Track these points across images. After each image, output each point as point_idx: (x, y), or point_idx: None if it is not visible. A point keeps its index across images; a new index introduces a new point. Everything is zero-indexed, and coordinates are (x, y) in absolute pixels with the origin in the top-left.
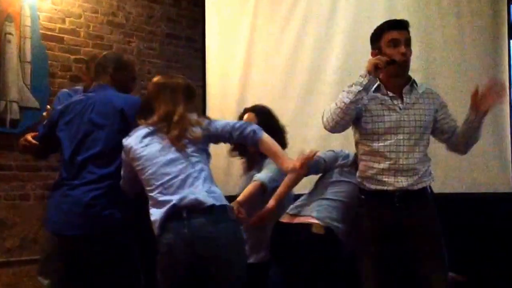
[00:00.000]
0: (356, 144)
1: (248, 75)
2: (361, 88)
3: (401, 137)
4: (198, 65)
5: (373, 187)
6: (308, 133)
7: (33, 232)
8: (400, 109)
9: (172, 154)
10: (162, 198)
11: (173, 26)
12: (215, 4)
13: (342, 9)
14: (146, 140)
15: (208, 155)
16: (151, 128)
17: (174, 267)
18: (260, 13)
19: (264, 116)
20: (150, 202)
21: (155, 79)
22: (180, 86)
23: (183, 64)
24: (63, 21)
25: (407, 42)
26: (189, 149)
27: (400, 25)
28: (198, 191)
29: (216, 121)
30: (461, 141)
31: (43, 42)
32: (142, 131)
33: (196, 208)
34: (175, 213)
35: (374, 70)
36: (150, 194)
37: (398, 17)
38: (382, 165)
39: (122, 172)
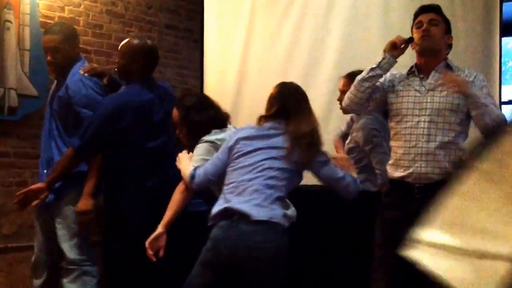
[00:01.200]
0: (390, 130)
1: (245, 67)
2: (375, 66)
3: (422, 119)
4: (196, 56)
5: (396, 174)
6: None
7: (30, 219)
8: (425, 89)
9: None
10: (228, 196)
11: (172, 16)
12: None
13: (339, 5)
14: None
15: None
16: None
17: (213, 262)
18: (258, 5)
19: None
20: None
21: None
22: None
23: (182, 55)
24: (62, 10)
25: (432, 22)
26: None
27: (425, 9)
28: (253, 203)
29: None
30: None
31: (42, 30)
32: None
33: (244, 217)
34: (228, 214)
35: (390, 48)
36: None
37: (393, 14)
38: (402, 150)
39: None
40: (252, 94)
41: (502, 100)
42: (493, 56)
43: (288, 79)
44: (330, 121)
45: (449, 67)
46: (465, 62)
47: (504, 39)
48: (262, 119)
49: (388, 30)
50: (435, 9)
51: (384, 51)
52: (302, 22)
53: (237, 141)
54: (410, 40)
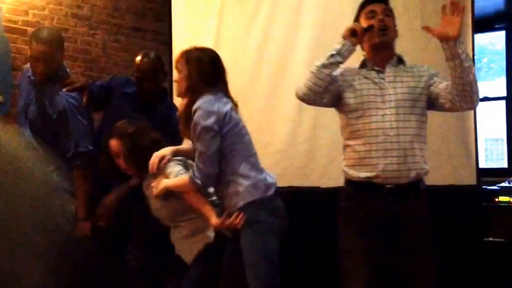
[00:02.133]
0: (342, 129)
1: None
2: (335, 52)
3: (388, 112)
4: (166, 58)
5: (361, 174)
6: (276, 125)
7: None
8: (384, 81)
9: None
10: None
11: (139, 19)
12: None
13: (309, 4)
14: None
15: None
16: None
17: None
18: (227, 5)
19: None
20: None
21: None
22: None
23: None
24: (26, 13)
25: (386, 12)
26: None
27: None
28: None
29: None
30: (457, 90)
31: (6, 35)
32: None
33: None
34: None
35: (350, 35)
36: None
37: None
38: (369, 146)
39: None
40: None
41: None
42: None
43: (258, 79)
44: (302, 121)
45: (401, 61)
46: (438, 60)
47: (477, 36)
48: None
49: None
50: (385, 0)
51: (344, 38)
52: (272, 22)
53: (225, 116)
54: (369, 28)
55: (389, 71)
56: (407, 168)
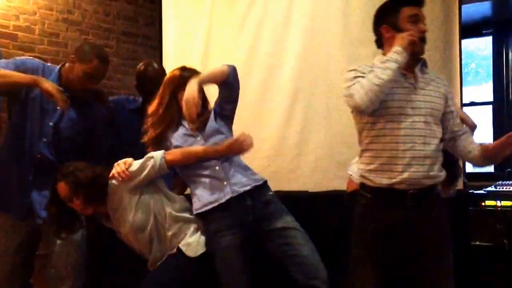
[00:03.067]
0: (362, 132)
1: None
2: (398, 65)
3: (417, 119)
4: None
5: (384, 181)
6: (265, 129)
7: None
8: (414, 88)
9: None
10: None
11: (130, 24)
12: (172, 2)
13: (298, 10)
14: None
15: None
16: None
17: None
18: (217, 12)
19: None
20: None
21: None
22: None
23: (140, 62)
24: (17, 18)
25: (424, 21)
26: None
27: (419, 1)
28: None
29: None
30: (478, 159)
31: None
32: None
33: None
34: None
35: (408, 46)
36: None
37: (353, 15)
38: (395, 152)
39: None
40: (211, 100)
41: (464, 102)
42: (453, 58)
43: (247, 85)
44: (291, 125)
45: (425, 65)
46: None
47: (465, 41)
48: None
49: (348, 34)
50: (423, 3)
51: (405, 49)
52: (261, 28)
53: None
54: (423, 40)
55: (418, 77)
56: (429, 176)
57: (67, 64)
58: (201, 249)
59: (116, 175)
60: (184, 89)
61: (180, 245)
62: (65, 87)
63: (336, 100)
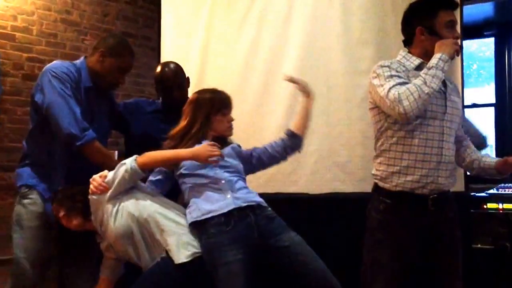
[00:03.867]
0: (384, 133)
1: (203, 75)
2: (443, 73)
3: (445, 125)
4: (154, 64)
5: (407, 184)
6: (265, 131)
7: None
8: (445, 94)
9: None
10: None
11: (129, 24)
12: (171, 3)
13: (298, 11)
14: None
15: None
16: None
17: None
18: (216, 13)
19: None
20: None
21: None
22: None
23: (139, 63)
24: (15, 19)
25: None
26: None
27: (456, 6)
28: None
29: None
30: (472, 169)
31: None
32: None
33: None
34: None
35: (455, 55)
36: None
37: (354, 16)
38: (421, 156)
39: None
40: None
41: (466, 103)
42: (455, 60)
43: (247, 87)
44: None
45: None
46: None
47: (467, 42)
48: None
49: (348, 35)
50: (458, 7)
51: (451, 57)
52: (261, 29)
53: None
54: (461, 48)
55: (447, 83)
56: (449, 181)
57: (93, 58)
58: (188, 256)
59: (94, 189)
60: (218, 112)
61: (167, 249)
62: (92, 80)
63: (336, 102)
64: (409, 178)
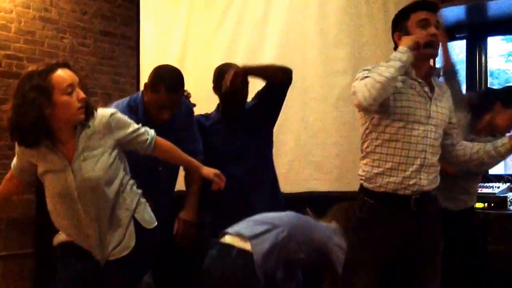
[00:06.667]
0: (370, 134)
1: (182, 73)
2: (402, 64)
3: (429, 129)
4: (133, 63)
5: (390, 186)
6: None
7: None
8: (429, 97)
9: None
10: None
11: (107, 23)
12: (150, 2)
13: (275, 12)
14: None
15: None
16: None
17: None
18: (195, 12)
19: None
20: None
21: None
22: None
23: (118, 61)
24: None
25: (437, 25)
26: None
27: (430, 6)
28: None
29: None
30: (476, 161)
31: None
32: None
33: None
34: None
35: (413, 47)
36: None
37: (330, 18)
38: (405, 159)
39: None
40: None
41: None
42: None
43: None
44: None
45: (437, 75)
46: None
47: None
48: None
49: (324, 36)
50: (436, 9)
51: (410, 48)
52: (239, 28)
53: None
54: (429, 45)
55: (433, 85)
56: (432, 184)
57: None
58: (154, 222)
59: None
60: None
61: (136, 217)
62: (145, 114)
63: (312, 102)
64: (392, 179)
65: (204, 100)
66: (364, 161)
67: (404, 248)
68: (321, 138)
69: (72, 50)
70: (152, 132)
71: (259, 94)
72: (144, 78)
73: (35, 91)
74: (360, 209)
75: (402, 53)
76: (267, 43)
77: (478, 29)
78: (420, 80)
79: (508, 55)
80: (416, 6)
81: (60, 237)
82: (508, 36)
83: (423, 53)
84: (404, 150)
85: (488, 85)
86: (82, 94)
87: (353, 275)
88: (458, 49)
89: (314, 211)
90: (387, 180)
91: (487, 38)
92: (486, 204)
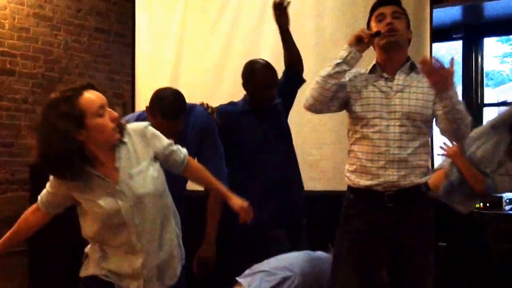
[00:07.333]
0: (348, 133)
1: (177, 72)
2: (340, 61)
3: (392, 123)
4: (128, 61)
5: (362, 182)
6: None
7: None
8: (392, 91)
9: None
10: None
11: (102, 20)
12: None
13: (271, 9)
14: None
15: None
16: None
17: None
18: (190, 9)
19: None
20: None
21: None
22: None
23: (112, 59)
24: None
25: (395, 15)
26: None
27: (387, 1)
28: None
29: None
30: (449, 126)
31: None
32: None
33: None
34: None
35: (356, 42)
36: None
37: (326, 17)
38: (371, 156)
39: None
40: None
41: None
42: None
43: (221, 83)
44: None
45: (413, 67)
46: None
47: (437, 45)
48: None
49: (321, 35)
50: (396, 1)
51: (350, 45)
52: (235, 26)
53: None
54: (377, 34)
55: (399, 79)
56: (407, 180)
57: None
58: None
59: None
60: None
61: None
62: None
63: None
64: (363, 176)
65: (200, 97)
66: (348, 159)
67: (383, 247)
68: (317, 138)
69: (67, 47)
70: (184, 150)
71: (280, 89)
72: (139, 76)
73: (64, 119)
74: (343, 204)
75: (344, 50)
76: (263, 42)
77: (474, 30)
78: (386, 76)
79: (503, 56)
80: (375, 5)
81: (90, 270)
82: (503, 37)
83: (377, 44)
84: (369, 147)
85: (484, 86)
86: (114, 113)
87: (335, 267)
88: (454, 50)
89: (311, 211)
90: (360, 177)
91: (483, 39)
92: (481, 205)
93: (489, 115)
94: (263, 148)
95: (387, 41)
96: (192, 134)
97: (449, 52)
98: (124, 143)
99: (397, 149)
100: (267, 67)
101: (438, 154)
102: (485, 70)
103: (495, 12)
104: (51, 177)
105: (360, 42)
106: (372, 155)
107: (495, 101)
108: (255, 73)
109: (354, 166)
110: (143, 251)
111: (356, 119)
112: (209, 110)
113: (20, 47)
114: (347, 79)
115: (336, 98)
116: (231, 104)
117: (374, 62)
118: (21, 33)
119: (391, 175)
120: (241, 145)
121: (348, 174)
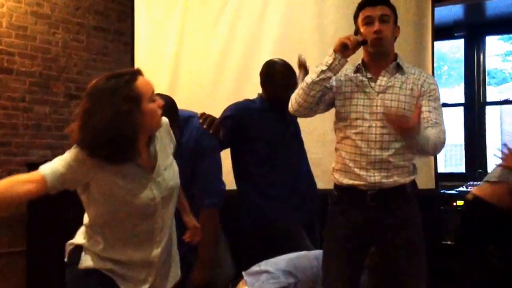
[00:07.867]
0: (335, 132)
1: (177, 69)
2: (326, 68)
3: (374, 124)
4: (127, 59)
5: (345, 181)
6: None
7: None
8: (374, 92)
9: None
10: None
11: (101, 18)
12: None
13: (272, 8)
14: None
15: None
16: None
17: None
18: (190, 7)
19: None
20: None
21: None
22: None
23: (111, 58)
24: None
25: (383, 18)
26: None
27: (374, 1)
28: None
29: None
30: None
31: None
32: None
33: None
34: None
35: (341, 49)
36: None
37: (327, 17)
38: (353, 156)
39: None
40: (183, 98)
41: None
42: (426, 61)
43: (221, 81)
44: None
45: (399, 67)
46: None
47: (438, 43)
48: None
49: (322, 32)
50: (383, 0)
51: (335, 51)
52: (236, 24)
53: None
54: (363, 43)
55: (381, 80)
56: (390, 180)
57: None
58: None
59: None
60: None
61: None
62: None
63: None
64: (347, 175)
65: (200, 97)
66: (335, 157)
67: (366, 245)
68: (319, 135)
69: (65, 45)
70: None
71: None
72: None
73: (128, 102)
74: (329, 201)
75: (329, 56)
76: (263, 41)
77: (476, 29)
78: (369, 76)
79: (506, 55)
80: (362, 4)
81: (90, 263)
82: (505, 36)
83: (368, 51)
84: (352, 147)
85: (486, 84)
86: (161, 101)
87: (326, 265)
88: (456, 48)
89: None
90: (343, 176)
91: (485, 37)
92: None
93: (491, 113)
94: (281, 145)
95: (374, 51)
96: (186, 149)
97: (451, 50)
98: (155, 135)
99: (378, 150)
100: (287, 68)
101: (496, 165)
102: (487, 68)
103: (497, 11)
104: (69, 158)
105: (345, 49)
106: (355, 155)
107: (497, 100)
108: (274, 73)
109: (339, 165)
110: (161, 241)
111: (340, 119)
112: (207, 123)
113: (18, 45)
114: (333, 80)
115: (322, 101)
116: (250, 101)
117: (359, 63)
118: (19, 31)
119: (373, 176)
120: (261, 142)
121: (333, 173)
